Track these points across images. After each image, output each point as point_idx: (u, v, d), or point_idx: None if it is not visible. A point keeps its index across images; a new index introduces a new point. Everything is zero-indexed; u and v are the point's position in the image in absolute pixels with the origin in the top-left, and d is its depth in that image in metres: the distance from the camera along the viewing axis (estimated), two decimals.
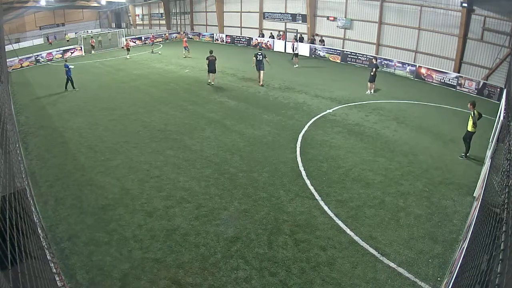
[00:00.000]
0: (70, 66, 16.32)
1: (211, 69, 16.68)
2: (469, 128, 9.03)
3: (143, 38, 33.81)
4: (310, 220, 6.71)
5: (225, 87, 16.70)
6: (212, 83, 17.09)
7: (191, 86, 17.12)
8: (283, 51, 26.61)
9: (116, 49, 30.40)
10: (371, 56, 21.00)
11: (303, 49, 25.14)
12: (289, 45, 25.02)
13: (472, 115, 8.95)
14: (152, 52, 27.75)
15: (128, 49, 26.50)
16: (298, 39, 24.42)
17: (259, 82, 16.73)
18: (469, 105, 9.12)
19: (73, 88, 16.69)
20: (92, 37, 31.35)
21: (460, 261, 4.39)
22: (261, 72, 16.48)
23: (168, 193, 7.71)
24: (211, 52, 16.74)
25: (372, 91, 15.32)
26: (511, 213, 2.55)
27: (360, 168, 8.74)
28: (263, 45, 28.38)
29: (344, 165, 8.89)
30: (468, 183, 7.96)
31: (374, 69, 14.92)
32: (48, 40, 39.80)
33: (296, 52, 21.39)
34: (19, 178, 4.28)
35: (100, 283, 5.28)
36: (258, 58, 16.29)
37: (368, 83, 15.25)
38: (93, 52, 29.01)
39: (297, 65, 21.09)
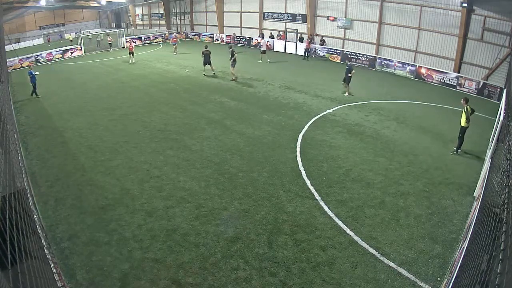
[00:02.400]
0: (34, 73, 15.77)
1: (206, 61, 18.55)
2: (462, 123, 9.24)
3: (143, 38, 33.80)
4: (310, 220, 6.71)
5: (225, 87, 16.70)
6: (213, 72, 18.99)
7: (191, 86, 17.12)
8: (283, 51, 26.64)
9: (116, 49, 30.36)
10: (371, 56, 21.01)
11: (303, 49, 25.16)
12: (301, 46, 25.17)
13: (465, 110, 9.14)
14: (175, 53, 26.40)
15: (131, 53, 23.39)
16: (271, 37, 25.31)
17: (236, 77, 17.81)
18: (462, 101, 9.34)
19: (36, 95, 15.69)
20: (108, 34, 31.52)
21: (460, 261, 4.39)
22: (233, 68, 17.74)
23: (168, 193, 7.71)
24: (206, 47, 18.87)
25: (347, 93, 15.11)
26: (511, 213, 2.55)
27: (360, 168, 8.74)
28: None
29: (344, 165, 8.89)
30: (468, 183, 7.96)
31: (352, 71, 14.69)
32: (48, 38, 39.87)
33: (263, 49, 22.97)
34: (19, 178, 4.28)
35: (100, 283, 5.28)
36: (235, 56, 17.39)
37: (345, 85, 15.07)
38: (111, 50, 29.49)
39: (260, 61, 22.69)
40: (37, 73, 16.22)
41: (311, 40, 24.50)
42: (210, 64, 18.60)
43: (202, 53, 18.52)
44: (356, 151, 9.69)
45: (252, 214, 6.94)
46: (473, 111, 9.20)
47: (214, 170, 8.69)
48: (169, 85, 17.36)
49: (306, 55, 23.66)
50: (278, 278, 5.34)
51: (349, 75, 14.67)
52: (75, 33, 40.83)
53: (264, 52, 22.86)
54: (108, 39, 30.53)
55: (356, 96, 14.90)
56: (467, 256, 4.17)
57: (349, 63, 15.20)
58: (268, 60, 22.57)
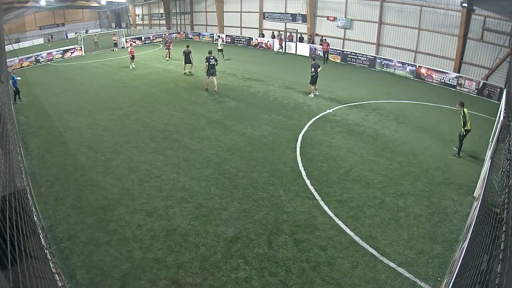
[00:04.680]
0: (16, 78, 15.44)
1: (186, 60, 18.83)
2: (467, 127, 9.03)
3: (143, 38, 33.79)
4: (310, 220, 6.71)
5: (225, 87, 16.68)
6: (189, 71, 19.31)
7: (191, 86, 17.12)
8: (283, 51, 26.63)
9: (117, 50, 30.33)
10: (371, 56, 20.96)
11: (303, 49, 25.17)
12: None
13: (463, 114, 8.98)
14: (168, 58, 24.12)
15: (132, 57, 21.59)
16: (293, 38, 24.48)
17: (215, 88, 15.55)
18: (458, 105, 9.16)
19: (19, 99, 15.15)
20: (114, 34, 31.48)
21: (460, 261, 4.39)
22: (215, 78, 15.47)
23: (168, 193, 7.71)
24: (187, 46, 19.12)
25: (316, 92, 14.80)
26: (511, 213, 2.55)
27: (360, 168, 8.74)
28: (263, 45, 28.37)
29: (344, 165, 8.89)
30: (468, 183, 7.96)
31: (314, 69, 14.17)
32: (51, 38, 39.94)
33: (220, 48, 23.49)
34: (19, 178, 4.28)
35: (100, 283, 5.28)
36: (211, 63, 15.12)
37: (309, 86, 14.66)
38: (116, 50, 29.60)
39: (221, 59, 22.78)
40: (18, 78, 15.94)
41: (328, 43, 22.94)
42: (189, 63, 18.91)
43: (183, 52, 18.88)
44: (356, 151, 9.69)
45: (252, 214, 6.94)
46: (464, 113, 9.03)
47: (214, 170, 8.69)
48: (169, 85, 17.36)
49: (326, 57, 22.42)
50: (278, 278, 5.34)
51: (311, 74, 14.20)
52: (75, 33, 40.85)
53: (220, 50, 23.43)
54: (113, 38, 30.54)
55: (356, 96, 14.90)
56: (467, 256, 4.17)
57: (312, 62, 14.50)
58: (220, 59, 22.70)
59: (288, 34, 26.47)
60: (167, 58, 24.31)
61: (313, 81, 14.43)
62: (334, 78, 18.44)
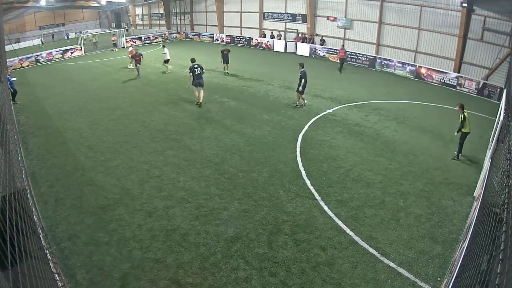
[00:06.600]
0: (12, 79, 15.12)
1: (225, 60, 18.85)
2: (465, 129, 8.96)
3: (143, 38, 33.80)
4: (310, 220, 6.71)
5: (225, 87, 16.70)
6: (227, 71, 19.21)
7: (191, 86, 17.08)
8: (283, 51, 26.65)
9: (116, 50, 30.33)
10: (371, 56, 20.93)
11: (303, 49, 25.19)
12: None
13: (463, 118, 8.87)
14: (127, 69, 21.17)
15: (132, 57, 20.09)
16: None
17: (199, 101, 13.54)
18: (458, 108, 8.98)
19: (13, 100, 14.28)
20: (114, 34, 31.55)
21: (460, 261, 4.39)
22: (201, 89, 13.38)
23: (168, 193, 7.71)
24: (225, 45, 19.67)
25: (306, 101, 13.46)
26: (511, 213, 2.55)
27: (360, 168, 8.74)
28: (263, 45, 28.37)
29: (344, 165, 8.89)
30: (468, 183, 7.96)
31: (305, 80, 12.69)
32: (52, 38, 40.02)
33: (167, 58, 19.66)
34: (19, 178, 4.28)
35: (100, 283, 5.28)
36: (196, 72, 13.00)
37: (301, 95, 13.18)
38: (115, 50, 29.59)
39: (168, 72, 19.76)
40: (14, 78, 15.86)
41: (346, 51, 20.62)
42: (228, 62, 18.89)
43: (222, 51, 18.93)
44: (356, 151, 9.69)
45: (252, 214, 6.94)
46: (465, 117, 8.96)
47: (214, 170, 8.69)
48: (169, 85, 17.36)
49: (342, 65, 20.00)
50: (278, 278, 5.34)
51: (299, 81, 12.74)
52: (75, 33, 40.86)
53: (167, 61, 19.83)
54: (113, 38, 30.57)
55: (356, 96, 14.90)
56: (467, 256, 4.17)
57: (301, 70, 12.71)
58: (165, 71, 20.04)
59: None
60: (138, 75, 19.00)
61: (299, 89, 12.98)
62: (334, 78, 18.46)
